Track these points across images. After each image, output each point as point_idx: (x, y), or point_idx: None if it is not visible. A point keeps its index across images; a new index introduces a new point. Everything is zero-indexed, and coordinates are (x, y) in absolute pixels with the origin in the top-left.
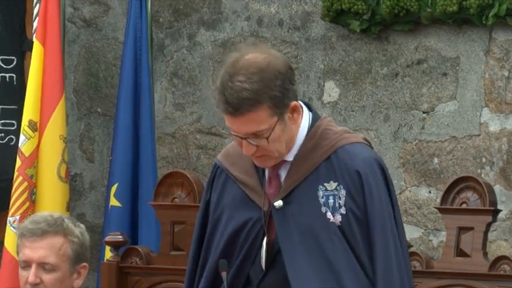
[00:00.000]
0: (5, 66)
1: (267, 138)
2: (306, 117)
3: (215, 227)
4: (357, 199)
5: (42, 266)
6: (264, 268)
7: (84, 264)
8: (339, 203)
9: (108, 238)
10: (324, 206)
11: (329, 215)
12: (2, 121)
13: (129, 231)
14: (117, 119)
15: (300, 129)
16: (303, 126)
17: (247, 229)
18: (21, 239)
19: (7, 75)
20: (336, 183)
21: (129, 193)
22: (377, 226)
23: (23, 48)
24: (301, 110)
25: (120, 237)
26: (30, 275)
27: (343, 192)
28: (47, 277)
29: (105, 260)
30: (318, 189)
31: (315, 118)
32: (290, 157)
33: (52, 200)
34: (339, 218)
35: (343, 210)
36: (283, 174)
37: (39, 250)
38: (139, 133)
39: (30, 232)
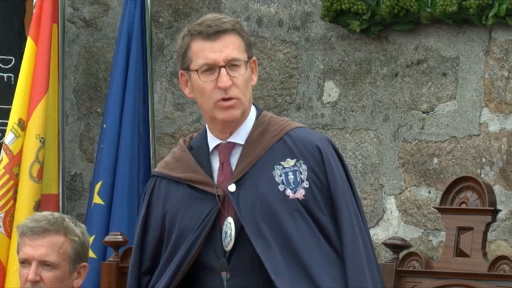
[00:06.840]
0: (3, 66)
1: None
2: (253, 108)
3: (171, 229)
4: (318, 173)
5: (42, 264)
6: (229, 249)
7: (84, 264)
8: (301, 178)
9: (108, 238)
10: (282, 184)
11: (288, 192)
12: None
13: (107, 230)
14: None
15: (249, 115)
16: (251, 114)
17: (201, 217)
18: (22, 238)
19: (5, 75)
20: (294, 160)
21: (111, 191)
22: (340, 198)
23: (22, 49)
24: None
25: (120, 237)
26: (30, 272)
27: (304, 167)
28: (47, 275)
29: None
30: (274, 169)
31: (260, 110)
32: (241, 140)
33: (22, 198)
34: (302, 192)
35: (306, 184)
36: (233, 161)
37: (40, 248)
38: (121, 132)
39: (31, 230)
